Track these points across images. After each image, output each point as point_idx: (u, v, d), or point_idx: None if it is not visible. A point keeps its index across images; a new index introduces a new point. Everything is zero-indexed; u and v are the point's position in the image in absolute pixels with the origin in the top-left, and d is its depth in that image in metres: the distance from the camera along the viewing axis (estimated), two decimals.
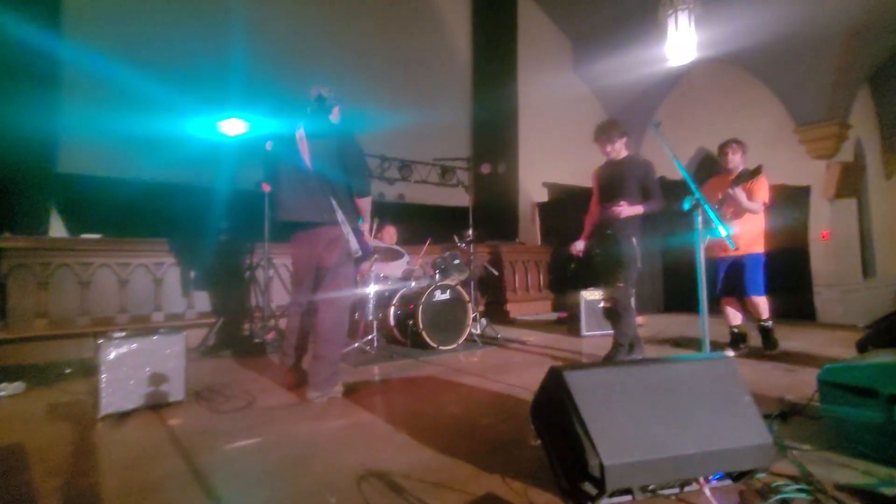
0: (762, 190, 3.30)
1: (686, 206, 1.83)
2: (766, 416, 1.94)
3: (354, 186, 2.60)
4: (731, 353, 3.36)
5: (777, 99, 8.53)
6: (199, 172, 4.96)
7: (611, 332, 3.73)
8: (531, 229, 8.47)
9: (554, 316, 6.24)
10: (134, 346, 2.34)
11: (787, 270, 6.66)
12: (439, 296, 3.97)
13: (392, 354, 3.66)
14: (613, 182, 3.13)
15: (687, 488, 1.34)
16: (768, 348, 3.44)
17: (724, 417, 1.31)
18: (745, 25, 7.81)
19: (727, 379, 1.40)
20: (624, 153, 3.20)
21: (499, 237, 7.14)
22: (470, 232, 5.00)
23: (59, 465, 1.71)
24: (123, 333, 2.38)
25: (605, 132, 3.16)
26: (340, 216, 2.53)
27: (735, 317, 3.54)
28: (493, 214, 7.91)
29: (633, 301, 3.21)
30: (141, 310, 4.31)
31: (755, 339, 3.57)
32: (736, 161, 3.45)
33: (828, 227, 8.18)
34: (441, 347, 3.85)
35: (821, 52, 7.74)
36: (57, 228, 4.78)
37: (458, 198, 6.59)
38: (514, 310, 6.55)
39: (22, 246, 3.84)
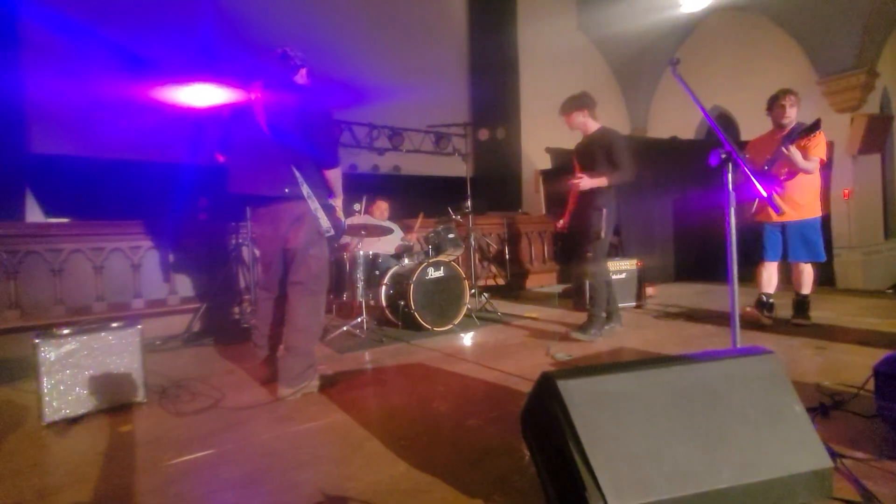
0: (819, 146, 2.94)
1: (714, 161, 1.46)
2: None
3: (321, 156, 2.26)
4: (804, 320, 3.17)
5: (800, 48, 7.88)
6: (173, 148, 4.63)
7: (621, 304, 3.56)
8: (535, 198, 8.06)
9: (560, 288, 5.93)
10: (79, 344, 2.08)
11: None
12: (432, 273, 3.67)
13: (382, 338, 3.39)
14: (585, 156, 3.17)
15: None
16: (800, 316, 3.17)
17: (769, 436, 1.01)
18: None
19: (773, 382, 1.09)
20: (593, 126, 3.17)
21: (501, 207, 6.78)
22: (468, 203, 4.66)
23: None
24: (67, 331, 2.12)
25: (563, 106, 3.18)
26: (306, 190, 2.20)
27: (769, 284, 3.23)
28: (494, 184, 7.53)
29: (606, 271, 3.24)
30: (120, 297, 4.07)
31: (782, 310, 3.27)
32: (793, 115, 3.05)
33: (850, 185, 7.69)
34: (435, 329, 3.58)
35: None
36: (33, 211, 4.55)
37: (456, 167, 6.20)
38: (518, 283, 6.25)
39: None
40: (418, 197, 5.78)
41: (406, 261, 4.07)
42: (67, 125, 4.54)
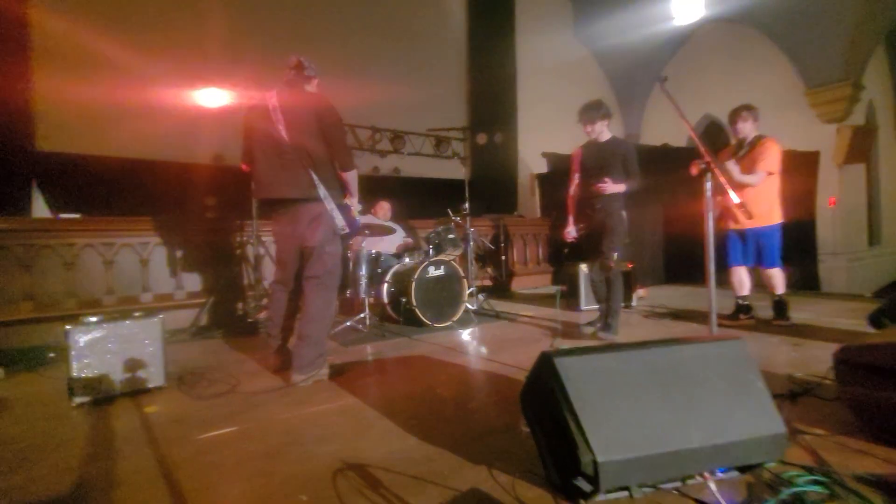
0: (767, 160, 3.12)
1: (694, 170, 1.64)
2: (774, 397, 1.83)
3: (338, 160, 2.42)
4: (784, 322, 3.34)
5: (787, 60, 8.14)
6: (182, 148, 4.76)
7: None
8: (531, 201, 8.26)
9: (554, 289, 6.11)
10: (105, 331, 2.22)
11: (793, 239, 6.49)
12: (433, 272, 3.83)
13: (384, 333, 3.55)
14: (598, 162, 3.22)
15: (690, 482, 1.22)
16: (779, 318, 3.35)
17: (733, 406, 1.18)
18: None
19: (738, 363, 1.26)
20: (607, 135, 3.26)
21: (497, 210, 6.95)
22: (466, 205, 4.83)
23: (22, 459, 1.61)
24: (95, 319, 2.26)
25: (587, 113, 3.22)
26: (323, 192, 2.35)
27: (742, 287, 3.42)
28: (492, 187, 7.70)
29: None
30: (129, 291, 4.19)
31: (762, 311, 3.46)
32: (747, 129, 3.28)
33: (836, 193, 7.95)
34: (435, 324, 3.74)
35: (837, 7, 7.32)
36: (39, 209, 4.64)
37: (455, 170, 6.37)
38: (513, 284, 6.43)
39: (1, 228, 3.69)
40: (418, 198, 5.94)
41: (407, 260, 4.23)
42: (75, 124, 4.65)
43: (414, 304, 3.66)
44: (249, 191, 4.05)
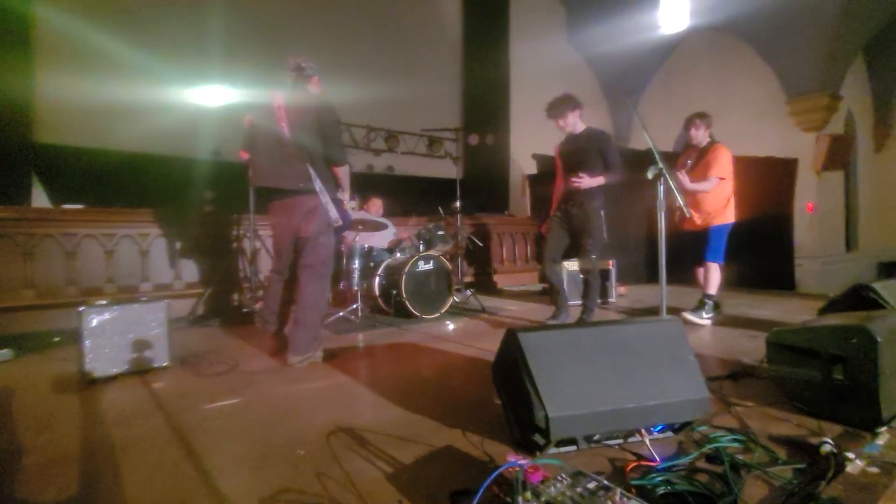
0: (717, 167, 3.33)
1: (649, 175, 1.87)
2: (719, 378, 2.07)
3: (332, 156, 2.61)
4: (697, 319, 3.47)
5: (770, 69, 8.44)
6: (180, 143, 4.91)
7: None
8: (522, 201, 8.48)
9: (540, 287, 6.34)
10: (115, 313, 2.40)
11: (770, 241, 6.78)
12: (422, 266, 4.04)
13: (375, 323, 3.75)
14: (575, 156, 3.19)
15: (630, 439, 1.44)
16: (694, 311, 3.45)
17: (665, 374, 1.40)
18: None
19: (673, 340, 1.48)
20: (581, 126, 3.24)
21: (489, 209, 7.16)
22: (457, 204, 5.04)
23: (44, 423, 1.79)
24: (105, 302, 2.44)
25: (556, 108, 3.19)
26: (318, 185, 2.55)
27: (706, 283, 3.64)
28: (484, 186, 7.90)
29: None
30: (128, 281, 4.35)
31: (731, 308, 3.70)
32: (699, 136, 3.49)
33: (814, 200, 8.27)
34: (424, 316, 3.95)
35: (816, 20, 7.62)
36: (40, 200, 4.77)
37: (448, 169, 6.58)
38: (501, 281, 6.64)
39: (4, 216, 3.83)
40: (411, 196, 6.14)
41: (398, 254, 4.43)
42: (75, 118, 4.76)
43: (404, 296, 3.86)
44: (247, 186, 4.24)
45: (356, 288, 4.04)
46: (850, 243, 9.63)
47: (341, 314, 3.89)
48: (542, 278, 7.02)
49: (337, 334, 3.41)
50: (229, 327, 3.85)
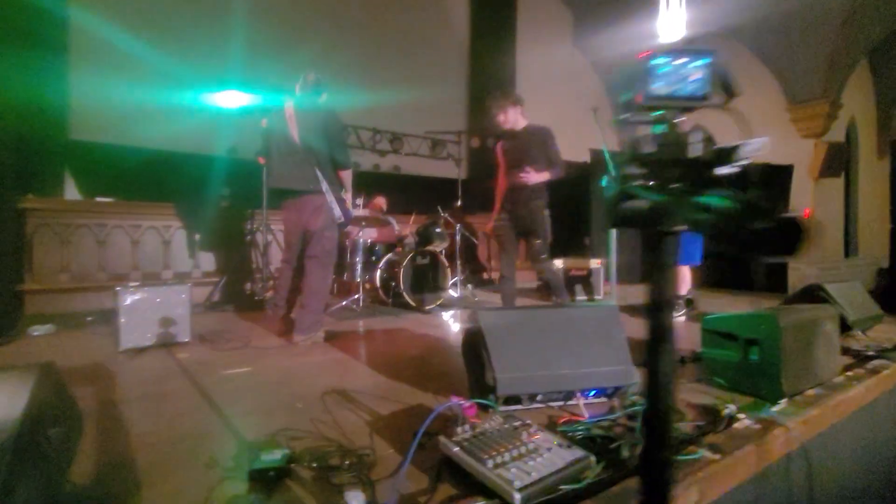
0: None
1: (603, 183, 2.17)
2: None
3: (338, 160, 2.94)
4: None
5: (772, 76, 8.59)
6: (200, 142, 5.29)
7: (579, 297, 4.37)
8: None
9: (535, 284, 6.62)
10: (146, 294, 2.77)
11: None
12: (420, 260, 4.36)
13: (375, 312, 4.09)
14: (517, 152, 3.13)
15: (570, 401, 1.75)
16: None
17: (597, 348, 1.70)
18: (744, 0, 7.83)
19: (608, 322, 1.78)
20: (523, 122, 3.18)
21: (491, 209, 7.43)
22: (459, 202, 5.35)
23: (89, 380, 2.15)
24: (136, 284, 2.80)
25: (496, 102, 3.13)
26: (325, 186, 2.89)
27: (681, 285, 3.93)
28: (488, 187, 8.20)
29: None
30: (152, 268, 4.75)
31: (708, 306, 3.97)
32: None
33: (811, 205, 8.41)
34: (420, 307, 4.27)
35: (817, 28, 7.76)
36: (70, 192, 5.19)
37: (451, 169, 6.88)
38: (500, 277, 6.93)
39: (44, 207, 4.25)
40: (415, 194, 6.45)
41: (399, 249, 4.75)
42: (106, 116, 5.16)
43: (402, 288, 4.18)
44: (261, 182, 4.60)
45: (359, 280, 4.38)
46: (849, 249, 9.72)
47: (344, 303, 4.24)
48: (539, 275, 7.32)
49: (339, 320, 3.75)
50: (242, 312, 4.21)
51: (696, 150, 0.71)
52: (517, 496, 0.99)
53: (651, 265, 0.73)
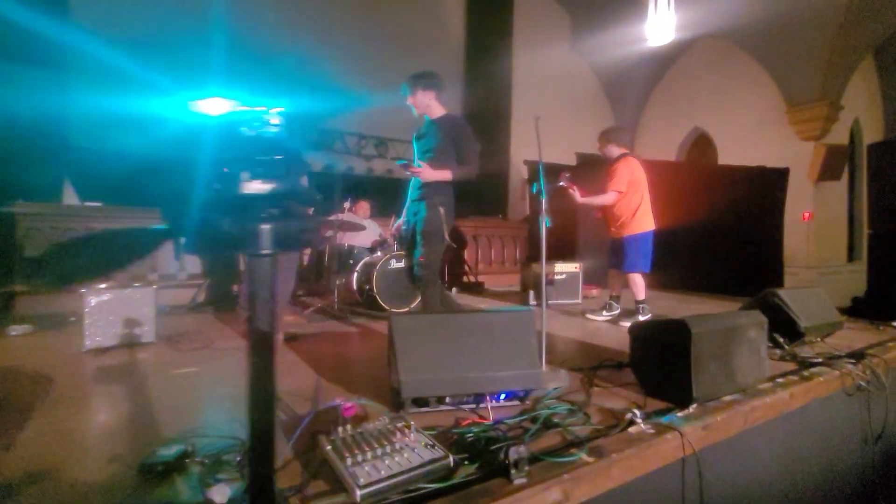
0: (615, 180, 3.62)
1: (533, 189, 2.22)
2: (605, 366, 2.37)
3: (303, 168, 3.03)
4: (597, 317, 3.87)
5: (770, 78, 8.47)
6: (188, 149, 5.44)
7: (565, 301, 4.57)
8: (521, 205, 8.75)
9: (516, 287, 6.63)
10: (111, 296, 2.88)
11: (756, 250, 6.88)
12: (395, 264, 4.42)
13: (347, 315, 4.16)
14: (424, 145, 2.74)
15: (482, 404, 1.79)
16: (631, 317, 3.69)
17: (507, 353, 1.74)
18: (741, 1, 7.74)
19: (522, 326, 1.82)
20: (438, 111, 2.75)
21: (487, 213, 7.47)
22: None
23: (50, 378, 2.26)
24: (104, 286, 2.92)
25: (408, 83, 2.72)
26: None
27: (613, 286, 4.02)
28: (482, 190, 8.22)
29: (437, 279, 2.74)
30: (139, 270, 4.91)
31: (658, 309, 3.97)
32: (607, 151, 3.80)
33: (810, 209, 8.25)
34: (394, 310, 4.32)
35: (816, 29, 7.63)
36: (69, 197, 5.39)
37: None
38: (488, 281, 6.95)
39: (34, 212, 4.43)
40: (401, 198, 6.52)
41: (378, 253, 4.82)
42: (102, 124, 5.36)
43: (375, 291, 4.25)
44: None
45: (336, 282, 4.46)
46: (852, 253, 9.50)
47: (318, 306, 4.32)
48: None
49: (309, 322, 3.84)
50: (221, 313, 4.33)
51: None
52: (358, 492, 1.04)
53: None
